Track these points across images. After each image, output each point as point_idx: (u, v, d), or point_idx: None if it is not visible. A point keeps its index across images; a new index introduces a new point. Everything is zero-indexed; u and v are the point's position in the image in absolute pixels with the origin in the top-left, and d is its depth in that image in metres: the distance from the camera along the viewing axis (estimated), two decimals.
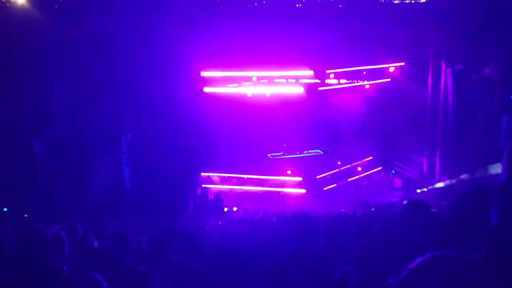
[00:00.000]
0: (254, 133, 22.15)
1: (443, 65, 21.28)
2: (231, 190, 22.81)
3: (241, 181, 23.01)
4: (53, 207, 14.29)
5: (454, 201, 2.38)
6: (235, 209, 21.00)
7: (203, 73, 22.56)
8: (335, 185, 23.25)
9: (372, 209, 16.95)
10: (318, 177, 23.23)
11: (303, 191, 22.82)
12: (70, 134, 17.43)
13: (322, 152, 23.32)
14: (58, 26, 16.83)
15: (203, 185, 22.21)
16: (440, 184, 21.04)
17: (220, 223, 12.56)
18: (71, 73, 17.25)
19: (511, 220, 1.30)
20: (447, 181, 20.76)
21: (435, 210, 12.86)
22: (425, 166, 22.39)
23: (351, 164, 23.56)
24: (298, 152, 23.42)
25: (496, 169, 18.46)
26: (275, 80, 22.97)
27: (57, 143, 17.12)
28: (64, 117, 17.62)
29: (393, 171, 23.57)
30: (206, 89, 22.76)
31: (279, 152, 23.41)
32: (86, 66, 17.06)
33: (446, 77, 21.23)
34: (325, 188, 23.04)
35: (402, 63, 22.06)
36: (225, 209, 20.46)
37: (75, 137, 17.32)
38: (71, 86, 17.43)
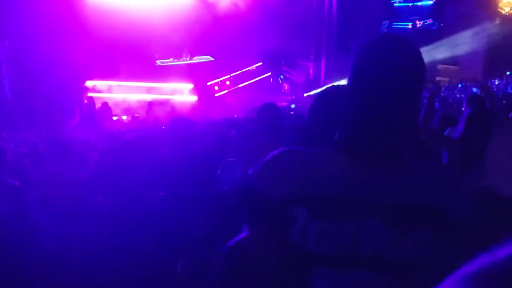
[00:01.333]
0: (142, 39, 21.49)
1: None
2: (119, 98, 22.31)
3: (130, 89, 22.54)
4: None
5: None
6: (124, 117, 20.71)
7: None
8: (226, 91, 23.43)
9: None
10: (209, 83, 23.25)
11: (195, 98, 22.82)
12: None
13: (212, 58, 23.20)
14: None
15: (89, 94, 21.51)
16: (325, 87, 21.81)
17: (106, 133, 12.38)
18: None
19: (350, 121, 1.40)
20: (332, 84, 21.53)
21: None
22: (311, 71, 23.02)
23: (241, 69, 23.69)
24: (188, 58, 23.13)
25: None
26: None
27: None
28: None
29: (281, 76, 24.06)
30: None
31: (169, 59, 23.02)
32: None
33: None
34: (216, 95, 23.17)
35: None
36: (114, 118, 20.11)
37: None
38: None
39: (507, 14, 21.72)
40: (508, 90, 16.52)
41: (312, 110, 2.29)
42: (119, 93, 22.32)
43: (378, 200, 1.30)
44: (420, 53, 1.38)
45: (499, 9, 21.74)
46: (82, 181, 4.87)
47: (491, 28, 20.13)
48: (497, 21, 21.04)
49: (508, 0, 21.81)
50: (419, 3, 22.14)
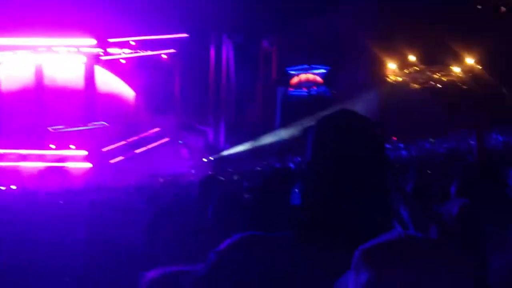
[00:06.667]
0: (33, 106, 20.70)
1: (224, 37, 21.99)
2: (8, 167, 21.04)
3: (19, 157, 21.34)
4: None
5: (257, 185, 2.44)
6: (14, 187, 19.43)
7: None
8: (122, 157, 22.80)
9: (161, 180, 17.00)
10: (104, 149, 22.54)
11: (89, 165, 21.99)
12: None
13: (107, 124, 22.60)
14: None
15: None
16: (225, 152, 21.89)
17: None
18: None
19: (312, 199, 1.33)
20: (232, 149, 21.69)
21: (222, 178, 13.38)
22: (210, 136, 23.08)
23: (138, 135, 23.25)
24: (81, 125, 22.37)
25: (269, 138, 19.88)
26: (54, 49, 21.61)
27: None
28: None
29: (180, 141, 23.84)
30: None
31: (61, 125, 22.13)
32: None
33: (228, 49, 22.00)
34: (112, 161, 22.48)
35: (186, 35, 22.23)
36: (2, 188, 18.82)
37: None
38: None
39: (393, 81, 23.36)
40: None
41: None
42: (7, 162, 21.06)
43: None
44: (374, 127, 1.36)
45: (385, 77, 23.23)
46: None
47: (379, 94, 21.39)
48: (384, 88, 22.40)
49: (393, 69, 23.45)
50: (314, 71, 23.16)
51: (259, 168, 16.80)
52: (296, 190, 1.59)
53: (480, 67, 23.17)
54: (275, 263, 1.26)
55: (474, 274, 1.09)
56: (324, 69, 23.41)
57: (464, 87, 24.23)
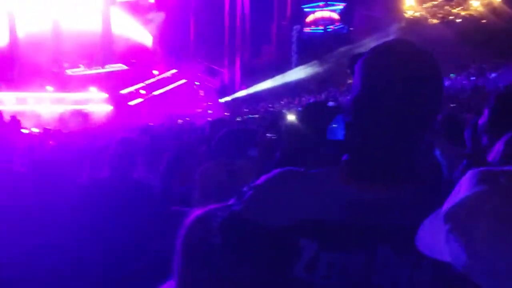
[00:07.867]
0: (51, 49, 20.74)
1: None
2: (29, 110, 21.28)
3: (39, 100, 21.55)
4: None
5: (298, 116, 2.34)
6: (36, 130, 19.78)
7: None
8: (141, 99, 22.94)
9: (180, 121, 17.16)
10: (123, 92, 22.68)
11: (109, 107, 22.18)
12: None
13: (126, 67, 22.66)
14: None
15: None
16: (241, 93, 21.90)
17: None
18: None
19: (361, 137, 1.21)
20: (248, 90, 21.69)
21: (240, 119, 13.56)
22: (226, 76, 23.06)
23: (155, 77, 23.32)
24: (100, 67, 22.46)
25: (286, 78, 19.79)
26: None
27: None
28: None
29: (197, 83, 23.90)
30: None
31: (79, 68, 22.25)
32: None
33: None
34: (130, 103, 22.64)
35: None
36: (25, 131, 19.16)
37: None
38: None
39: (411, 17, 22.87)
40: None
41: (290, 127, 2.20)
42: (27, 105, 21.28)
43: (390, 226, 1.15)
44: (438, 64, 1.20)
45: (403, 13, 22.80)
46: None
47: (397, 30, 21.02)
48: (402, 24, 22.02)
49: (411, 4, 22.96)
50: (330, 8, 22.69)
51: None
52: (335, 125, 1.46)
53: (500, 1, 22.60)
54: (321, 200, 1.20)
55: None
56: (341, 5, 22.90)
57: (483, 21, 23.70)
